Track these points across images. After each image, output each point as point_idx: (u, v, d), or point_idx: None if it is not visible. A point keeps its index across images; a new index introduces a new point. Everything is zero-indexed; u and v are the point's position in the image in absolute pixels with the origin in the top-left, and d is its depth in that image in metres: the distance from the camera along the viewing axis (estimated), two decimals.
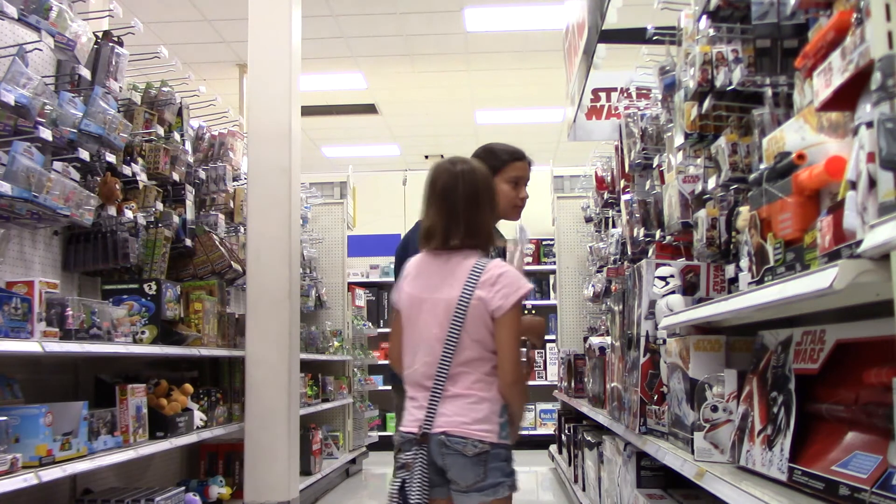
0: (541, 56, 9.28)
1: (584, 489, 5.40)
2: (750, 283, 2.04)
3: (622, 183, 4.80)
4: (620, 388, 3.56)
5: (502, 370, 2.49)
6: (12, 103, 3.20)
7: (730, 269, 2.82)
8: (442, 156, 14.45)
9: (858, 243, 1.36)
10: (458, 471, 2.43)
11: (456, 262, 2.54)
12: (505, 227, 3.26)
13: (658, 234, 3.80)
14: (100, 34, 4.11)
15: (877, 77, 1.32)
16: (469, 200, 2.54)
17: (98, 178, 4.12)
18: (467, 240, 2.54)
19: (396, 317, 2.67)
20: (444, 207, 2.55)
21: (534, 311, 9.51)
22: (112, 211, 4.22)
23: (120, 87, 4.22)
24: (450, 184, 2.56)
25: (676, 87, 3.10)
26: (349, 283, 8.83)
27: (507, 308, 2.46)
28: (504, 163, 3.16)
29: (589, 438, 5.03)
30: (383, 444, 9.59)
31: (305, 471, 6.36)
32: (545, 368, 10.11)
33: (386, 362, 10.89)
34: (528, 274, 7.06)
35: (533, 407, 10.04)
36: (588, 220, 7.27)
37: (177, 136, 5.04)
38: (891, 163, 1.25)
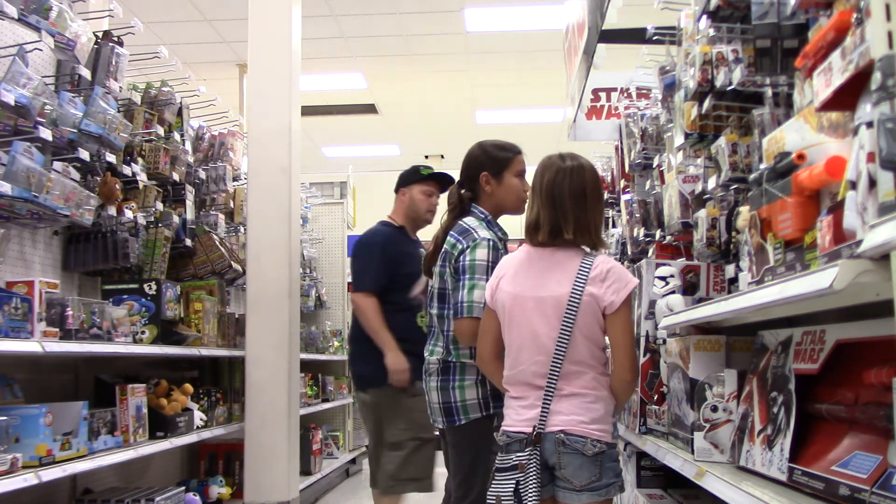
0: (541, 56, 9.27)
1: None
2: (750, 283, 2.04)
3: (622, 183, 4.80)
4: None
5: (620, 365, 2.49)
6: (12, 103, 3.20)
7: (730, 269, 2.82)
8: (442, 156, 14.49)
9: (858, 243, 1.36)
10: (573, 470, 2.39)
11: (560, 259, 2.54)
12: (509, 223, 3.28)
13: (658, 234, 3.80)
14: (100, 34, 4.11)
15: (877, 77, 1.32)
16: (576, 197, 2.55)
17: (98, 178, 4.11)
18: (578, 237, 2.55)
19: (489, 316, 2.66)
20: (549, 203, 2.56)
21: None
22: (112, 211, 4.22)
23: (120, 87, 4.21)
24: (557, 179, 2.56)
25: (676, 87, 3.10)
26: (349, 283, 8.82)
27: (620, 303, 2.46)
28: (509, 159, 3.18)
29: None
30: None
31: (305, 471, 6.36)
32: None
33: None
34: None
35: None
36: None
37: (177, 136, 5.04)
38: (891, 163, 1.25)
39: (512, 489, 2.38)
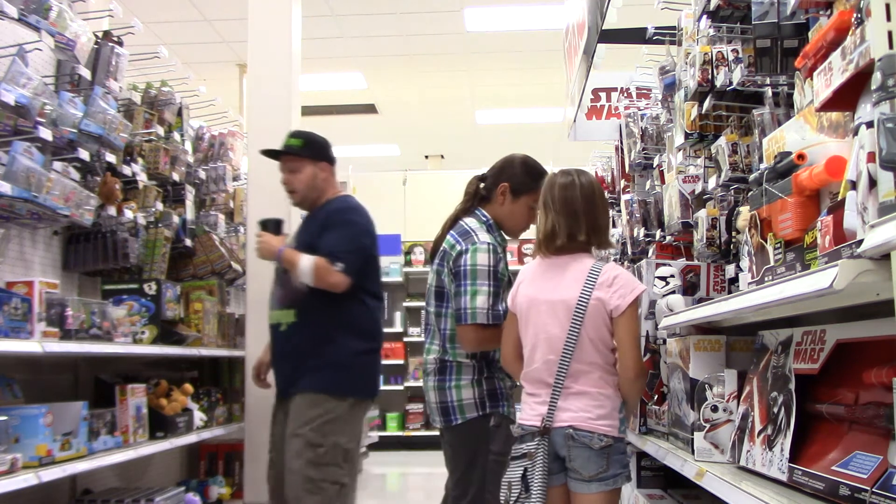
0: (541, 56, 9.27)
1: None
2: (750, 283, 2.05)
3: (622, 183, 4.80)
4: None
5: (624, 366, 2.60)
6: (12, 103, 3.20)
7: (730, 269, 2.82)
8: (442, 156, 14.44)
9: (859, 243, 1.36)
10: (582, 462, 2.55)
11: (571, 265, 2.68)
12: None
13: (658, 234, 3.80)
14: (100, 34, 4.11)
15: (877, 77, 1.32)
16: (588, 204, 2.70)
17: (98, 178, 4.11)
18: (592, 239, 2.71)
19: (510, 319, 2.79)
20: (565, 212, 2.70)
21: None
22: (112, 211, 4.22)
23: (120, 87, 4.21)
24: (571, 191, 2.72)
25: (676, 87, 3.10)
26: None
27: (625, 307, 2.59)
28: (533, 188, 3.06)
29: None
30: (383, 444, 9.58)
31: None
32: None
33: (387, 362, 10.92)
34: None
35: None
36: None
37: (177, 136, 5.04)
38: (891, 163, 1.25)
39: (520, 475, 2.56)
